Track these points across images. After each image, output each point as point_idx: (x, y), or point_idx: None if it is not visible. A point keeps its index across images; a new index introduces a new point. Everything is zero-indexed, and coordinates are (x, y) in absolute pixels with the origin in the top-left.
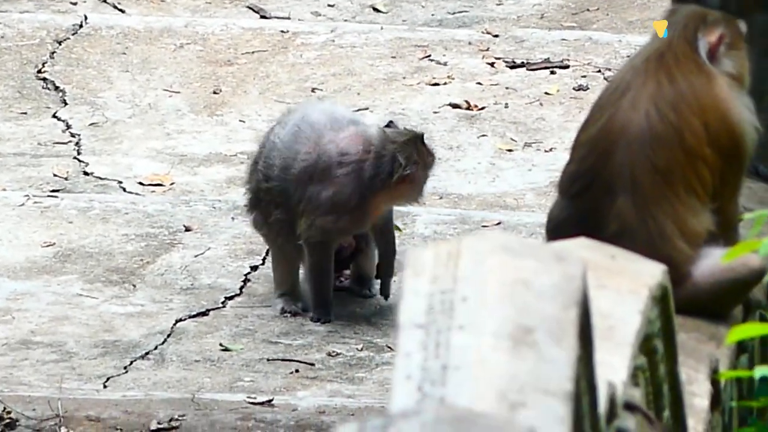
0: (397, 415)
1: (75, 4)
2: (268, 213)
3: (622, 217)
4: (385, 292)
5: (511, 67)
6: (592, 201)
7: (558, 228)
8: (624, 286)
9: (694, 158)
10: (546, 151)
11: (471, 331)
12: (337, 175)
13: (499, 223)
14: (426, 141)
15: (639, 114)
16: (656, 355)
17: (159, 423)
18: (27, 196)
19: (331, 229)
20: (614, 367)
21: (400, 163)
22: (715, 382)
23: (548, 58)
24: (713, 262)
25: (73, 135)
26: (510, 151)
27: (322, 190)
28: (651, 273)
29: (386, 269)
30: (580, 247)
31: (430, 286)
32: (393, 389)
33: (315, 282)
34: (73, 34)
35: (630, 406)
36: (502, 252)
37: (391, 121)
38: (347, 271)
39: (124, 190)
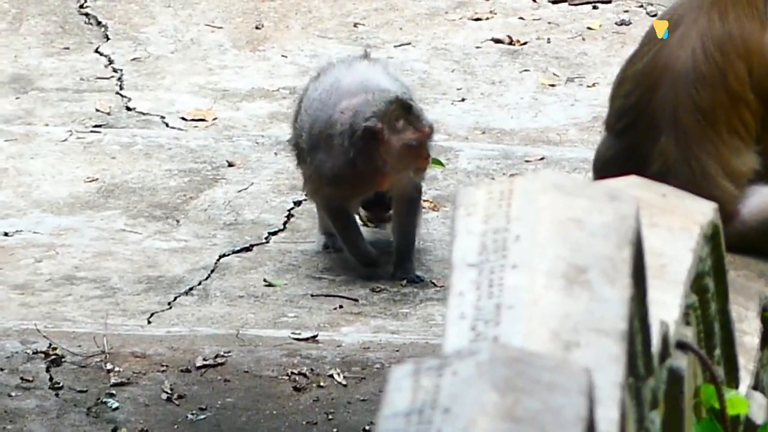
0: (452, 355)
1: None
2: (305, 164)
3: (665, 155)
4: (401, 274)
5: (554, 2)
6: (636, 138)
7: (605, 165)
8: (676, 224)
9: (737, 101)
10: (588, 87)
11: (524, 270)
12: (333, 145)
13: (542, 158)
14: (414, 110)
15: (686, 51)
16: (707, 293)
17: (204, 359)
18: (70, 131)
19: (336, 197)
20: (666, 306)
21: (363, 126)
22: (765, 319)
23: None
24: (761, 200)
25: (115, 70)
26: (552, 86)
27: (325, 160)
28: (702, 211)
29: (403, 252)
30: (632, 186)
31: (483, 225)
32: (446, 328)
33: (344, 242)
34: None
35: (682, 345)
36: (554, 191)
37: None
38: (389, 212)
39: (167, 125)
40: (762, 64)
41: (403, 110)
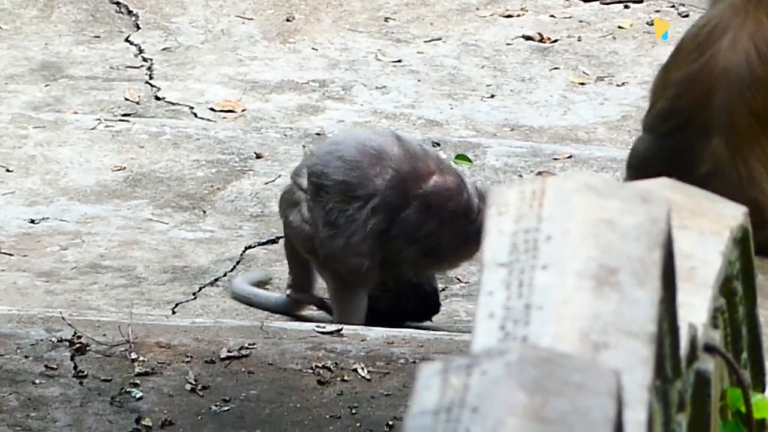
0: (481, 354)
1: None
2: None
3: (716, 158)
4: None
5: (585, 1)
6: (685, 140)
7: (643, 164)
8: (706, 227)
9: None
10: (618, 85)
11: (555, 270)
12: None
13: (570, 157)
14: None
15: (739, 55)
16: (736, 297)
17: (229, 351)
18: (98, 119)
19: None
20: (695, 309)
21: None
22: None
23: None
24: None
25: (145, 59)
26: (582, 84)
27: None
28: (733, 214)
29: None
30: (663, 187)
31: (514, 225)
32: (475, 327)
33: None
34: None
35: (710, 348)
36: (586, 191)
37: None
38: None
39: (196, 115)
40: None
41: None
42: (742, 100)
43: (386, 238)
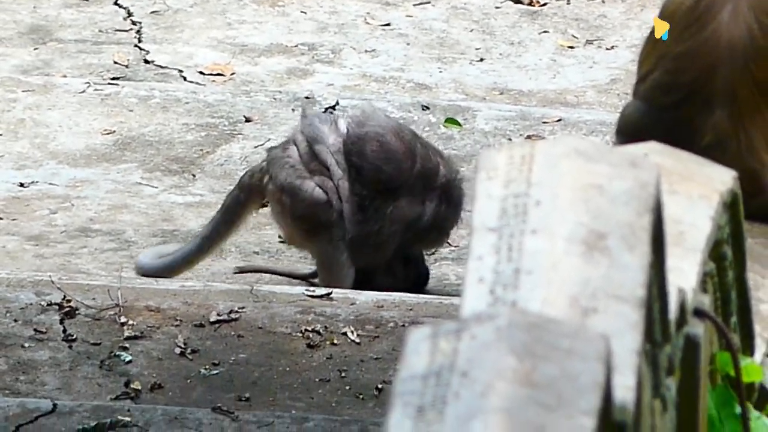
0: (470, 319)
1: None
2: None
3: (718, 129)
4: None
5: None
6: (687, 113)
7: (638, 132)
8: (695, 191)
9: None
10: (607, 49)
11: (544, 235)
12: None
13: (559, 120)
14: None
15: (740, 27)
16: (725, 261)
17: (218, 314)
18: (87, 83)
19: None
20: (684, 273)
21: None
22: None
23: None
24: None
25: (134, 23)
26: (571, 48)
27: None
28: (722, 179)
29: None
30: (652, 152)
31: (503, 189)
32: (464, 292)
33: None
34: None
35: (699, 313)
36: (575, 156)
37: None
38: None
39: (185, 79)
40: None
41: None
42: (745, 72)
43: (408, 228)
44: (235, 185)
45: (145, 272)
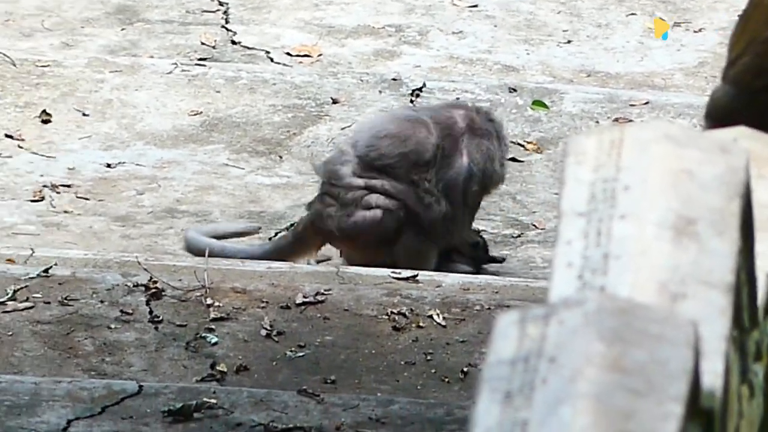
0: (558, 304)
1: None
2: None
3: None
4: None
5: None
6: None
7: (728, 117)
8: None
9: None
10: (695, 32)
11: (633, 220)
12: None
13: (646, 103)
14: None
15: None
16: None
17: (305, 296)
18: (174, 64)
19: None
20: None
21: None
22: None
23: None
24: None
25: (221, 3)
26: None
27: None
28: None
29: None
30: (741, 136)
31: (593, 174)
32: (552, 276)
33: None
34: None
35: None
36: (665, 141)
37: None
38: None
39: (272, 60)
40: None
41: None
42: None
43: (468, 182)
44: (289, 234)
45: (192, 247)
